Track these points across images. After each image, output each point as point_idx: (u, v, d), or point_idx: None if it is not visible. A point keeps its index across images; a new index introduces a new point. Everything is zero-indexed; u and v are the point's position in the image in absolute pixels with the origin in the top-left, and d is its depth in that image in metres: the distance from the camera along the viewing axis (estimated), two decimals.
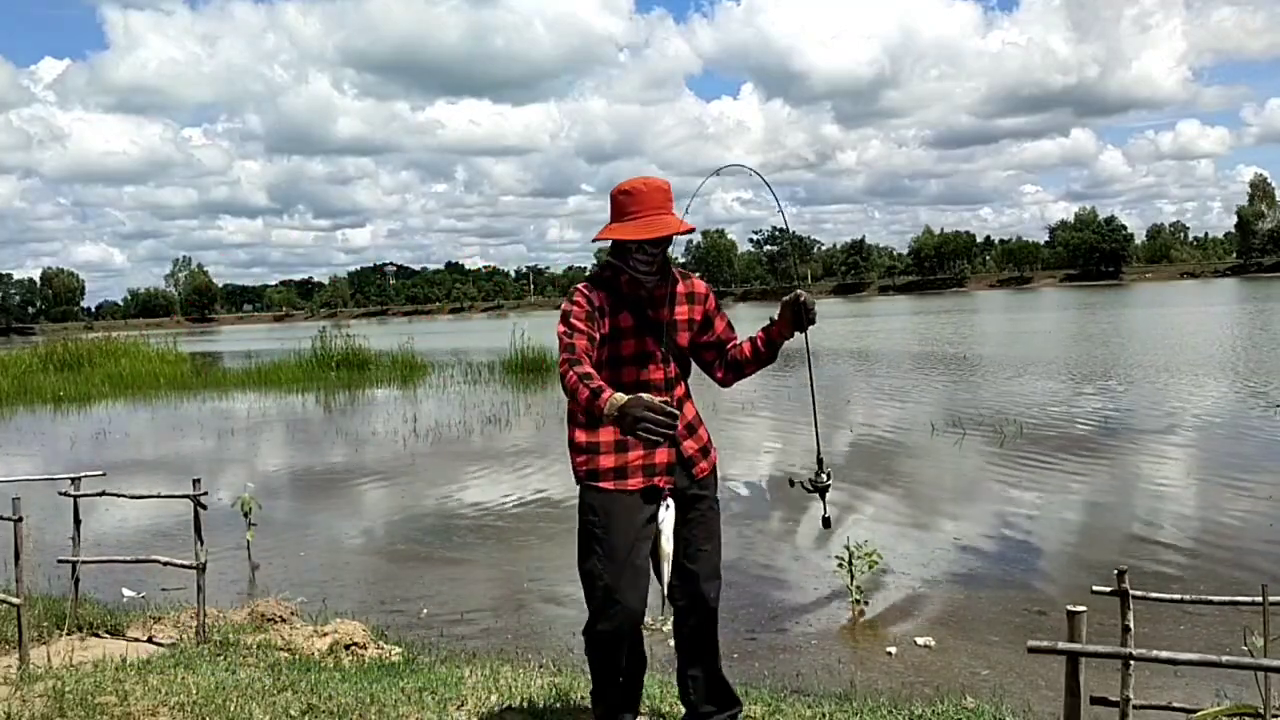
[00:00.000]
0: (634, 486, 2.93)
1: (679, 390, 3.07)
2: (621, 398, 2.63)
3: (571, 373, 2.77)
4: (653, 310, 3.00)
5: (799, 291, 2.93)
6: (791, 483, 3.19)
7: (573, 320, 2.90)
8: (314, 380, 24.15)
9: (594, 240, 3.06)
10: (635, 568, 2.90)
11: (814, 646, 5.30)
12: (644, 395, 2.61)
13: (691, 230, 3.00)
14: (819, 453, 3.12)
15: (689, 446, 3.05)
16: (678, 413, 2.60)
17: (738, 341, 3.19)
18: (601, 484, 2.95)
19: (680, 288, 3.08)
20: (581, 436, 2.99)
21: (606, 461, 2.96)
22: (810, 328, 2.92)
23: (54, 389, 22.58)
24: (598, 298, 2.95)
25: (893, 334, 37.19)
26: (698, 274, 3.20)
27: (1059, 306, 58.22)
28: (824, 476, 3.04)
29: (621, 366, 2.96)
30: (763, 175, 3.19)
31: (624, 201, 2.95)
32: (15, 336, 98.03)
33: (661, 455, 2.96)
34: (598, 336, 2.92)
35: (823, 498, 3.07)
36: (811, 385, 3.34)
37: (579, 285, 3.03)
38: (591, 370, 2.78)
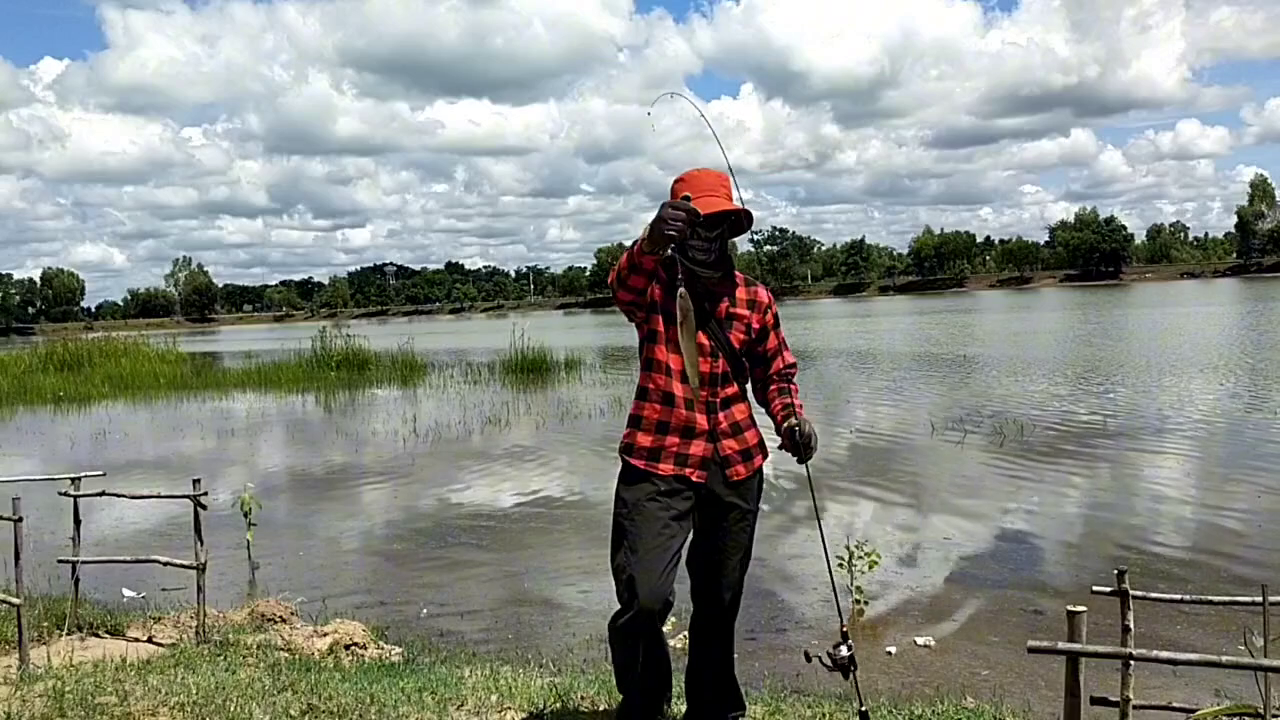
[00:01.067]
0: (664, 471, 2.88)
1: (729, 389, 2.99)
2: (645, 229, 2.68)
3: (619, 266, 2.83)
4: (710, 303, 2.94)
5: (793, 421, 2.89)
6: (808, 657, 2.98)
7: (637, 257, 2.82)
8: (314, 380, 24.15)
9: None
10: (659, 563, 2.82)
11: (814, 646, 5.28)
12: (673, 202, 2.67)
13: (746, 215, 2.94)
14: (842, 623, 2.94)
15: (728, 446, 2.95)
16: (696, 209, 2.60)
17: (779, 383, 3.11)
18: (634, 460, 2.93)
19: (742, 291, 3.02)
20: (634, 410, 2.99)
21: (644, 439, 2.94)
22: (811, 456, 2.91)
23: (54, 389, 22.58)
24: (661, 272, 2.90)
25: (893, 334, 37.18)
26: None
27: (1059, 306, 58.21)
28: (844, 650, 2.82)
29: (668, 347, 2.91)
30: (698, 105, 3.39)
31: (678, 189, 2.92)
32: (15, 336, 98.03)
33: (697, 447, 2.91)
34: (655, 284, 2.89)
35: (846, 676, 2.82)
36: (821, 532, 3.34)
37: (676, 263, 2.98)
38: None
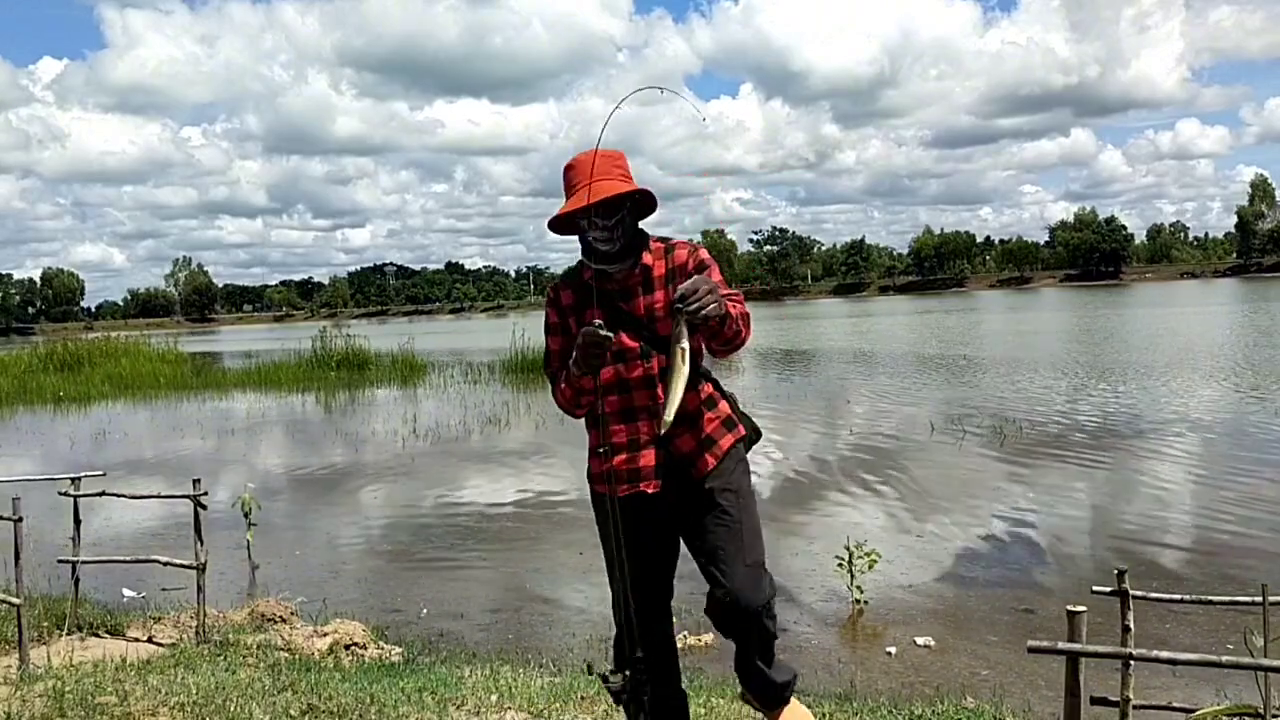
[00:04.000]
0: (622, 493, 2.65)
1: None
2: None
3: (558, 393, 2.72)
4: (625, 302, 2.66)
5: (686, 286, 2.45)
6: (589, 669, 2.86)
7: (547, 337, 2.77)
8: (314, 380, 24.15)
9: (549, 227, 2.76)
10: (631, 582, 2.53)
11: (814, 646, 5.30)
12: (585, 329, 2.46)
13: (645, 194, 2.66)
14: (627, 643, 2.53)
15: (683, 445, 2.67)
16: (607, 335, 2.43)
17: None
18: (596, 488, 2.77)
19: (657, 269, 2.67)
20: (588, 440, 2.81)
21: (595, 465, 2.76)
22: (697, 307, 2.41)
23: (54, 389, 22.58)
24: (566, 296, 2.73)
25: (893, 334, 37.18)
26: (690, 239, 2.79)
27: (1059, 306, 58.22)
28: (619, 679, 2.50)
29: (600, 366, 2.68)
30: (677, 91, 3.32)
31: (569, 178, 2.67)
32: (15, 336, 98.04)
33: (646, 458, 2.67)
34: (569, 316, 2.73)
35: (617, 703, 2.53)
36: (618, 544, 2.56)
37: (552, 284, 2.81)
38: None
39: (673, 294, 2.52)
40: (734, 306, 2.53)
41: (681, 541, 2.76)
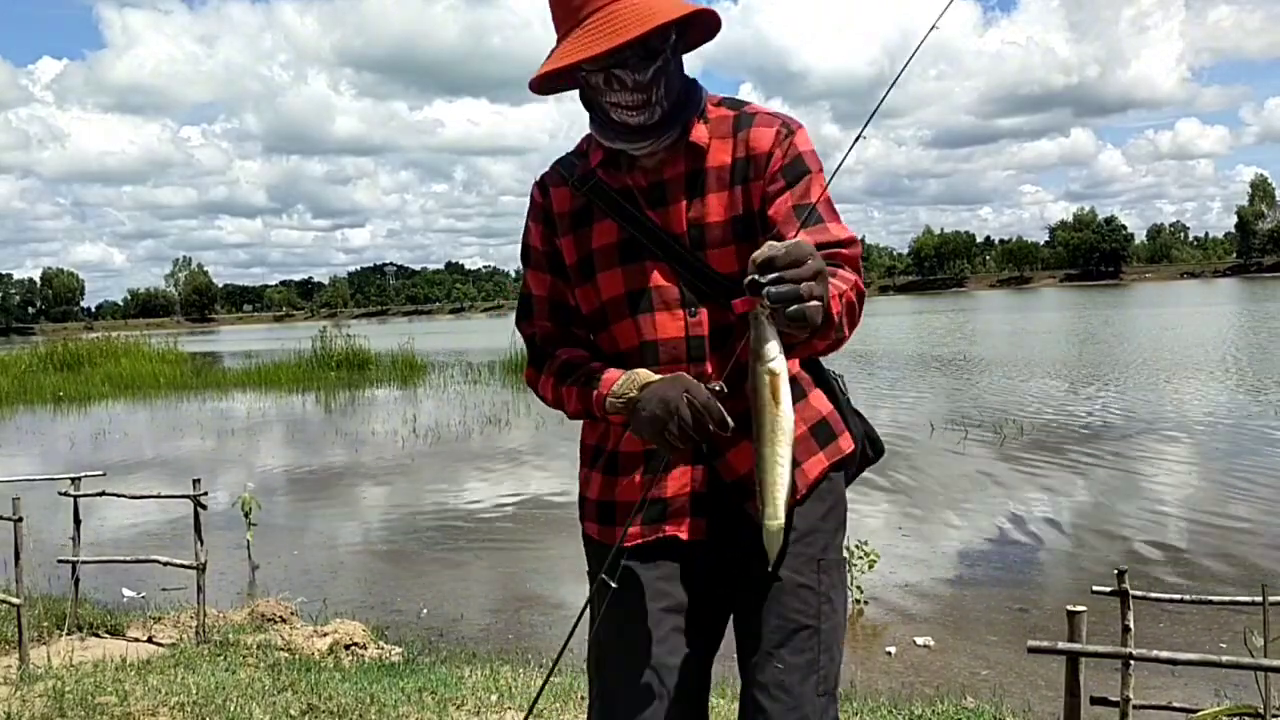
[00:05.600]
0: (630, 540, 1.62)
1: (735, 363, 1.51)
2: (640, 377, 1.51)
3: (543, 380, 1.70)
4: (656, 208, 1.59)
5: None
6: None
7: (526, 270, 1.73)
8: (314, 380, 24.14)
9: (531, 87, 1.61)
10: (638, 686, 1.61)
11: None
12: (683, 376, 1.48)
13: (706, 13, 1.55)
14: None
15: (739, 463, 1.59)
16: (722, 416, 1.40)
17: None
18: (585, 526, 1.78)
19: (717, 154, 1.58)
20: (582, 444, 1.80)
21: (591, 490, 1.73)
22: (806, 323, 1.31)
23: (54, 389, 22.57)
24: (561, 198, 1.66)
25: (893, 333, 37.18)
26: (773, 103, 1.76)
27: (1059, 306, 58.21)
28: None
29: (608, 322, 1.64)
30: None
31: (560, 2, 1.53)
32: (15, 336, 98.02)
33: (678, 480, 1.61)
34: (571, 296, 1.69)
35: None
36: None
37: (538, 179, 1.72)
38: (570, 355, 1.67)
39: (738, 198, 1.55)
40: (839, 282, 1.42)
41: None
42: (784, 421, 1.28)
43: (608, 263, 1.61)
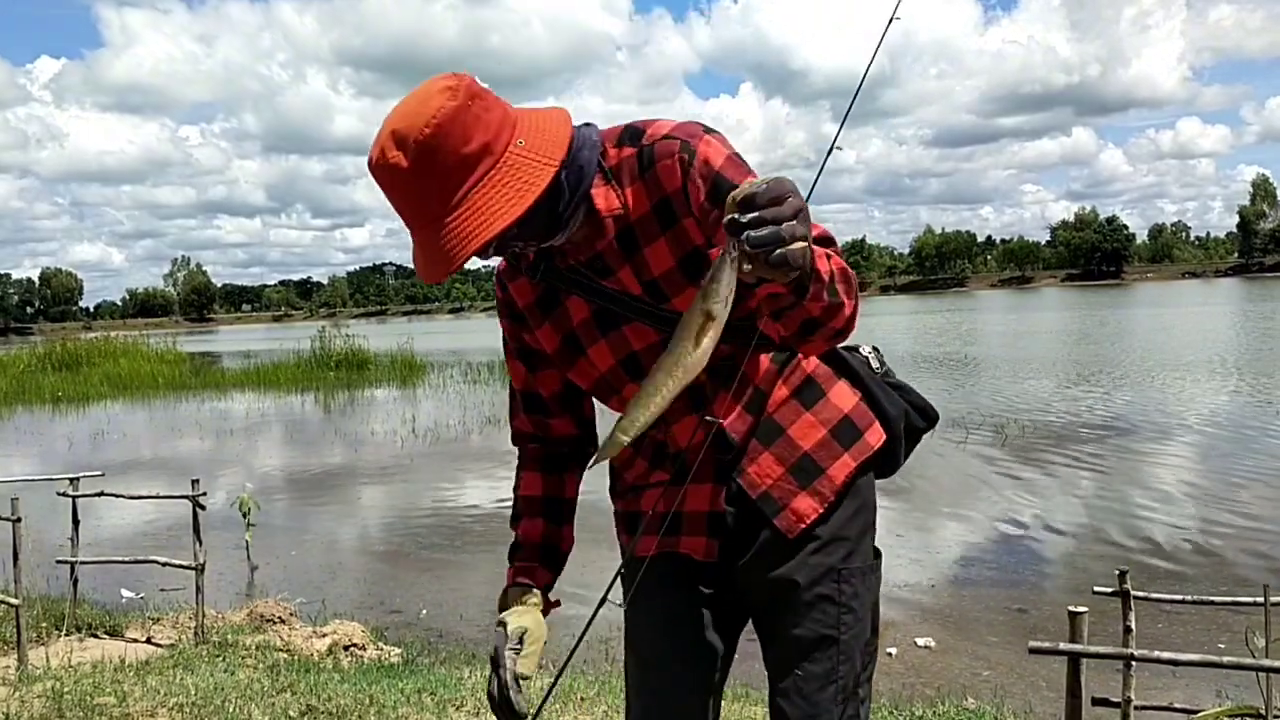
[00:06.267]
0: (640, 551, 1.58)
1: (743, 382, 1.51)
2: (509, 609, 1.62)
3: (514, 502, 1.75)
4: (606, 277, 1.49)
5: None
6: None
7: (507, 360, 1.67)
8: (313, 380, 24.13)
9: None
10: (653, 696, 1.64)
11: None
12: (501, 633, 1.57)
13: (559, 183, 1.34)
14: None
15: (759, 474, 1.52)
16: (517, 711, 1.49)
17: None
18: (618, 534, 1.72)
19: (633, 202, 1.42)
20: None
21: (616, 501, 1.71)
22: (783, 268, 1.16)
23: (52, 389, 22.57)
24: (523, 290, 1.57)
25: (894, 333, 37.18)
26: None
27: (1060, 306, 58.23)
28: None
29: (613, 390, 1.57)
30: None
31: (395, 204, 1.35)
32: (14, 336, 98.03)
33: (697, 498, 1.54)
34: (557, 378, 1.64)
35: None
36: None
37: (497, 272, 1.60)
38: (525, 532, 1.70)
39: (676, 242, 1.42)
40: (826, 259, 1.28)
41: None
42: (690, 362, 1.17)
43: (592, 336, 1.54)
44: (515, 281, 1.58)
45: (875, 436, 1.59)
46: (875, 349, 1.71)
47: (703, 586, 1.59)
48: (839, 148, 1.34)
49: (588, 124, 1.43)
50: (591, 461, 1.37)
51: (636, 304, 1.48)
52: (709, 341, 1.17)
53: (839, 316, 1.31)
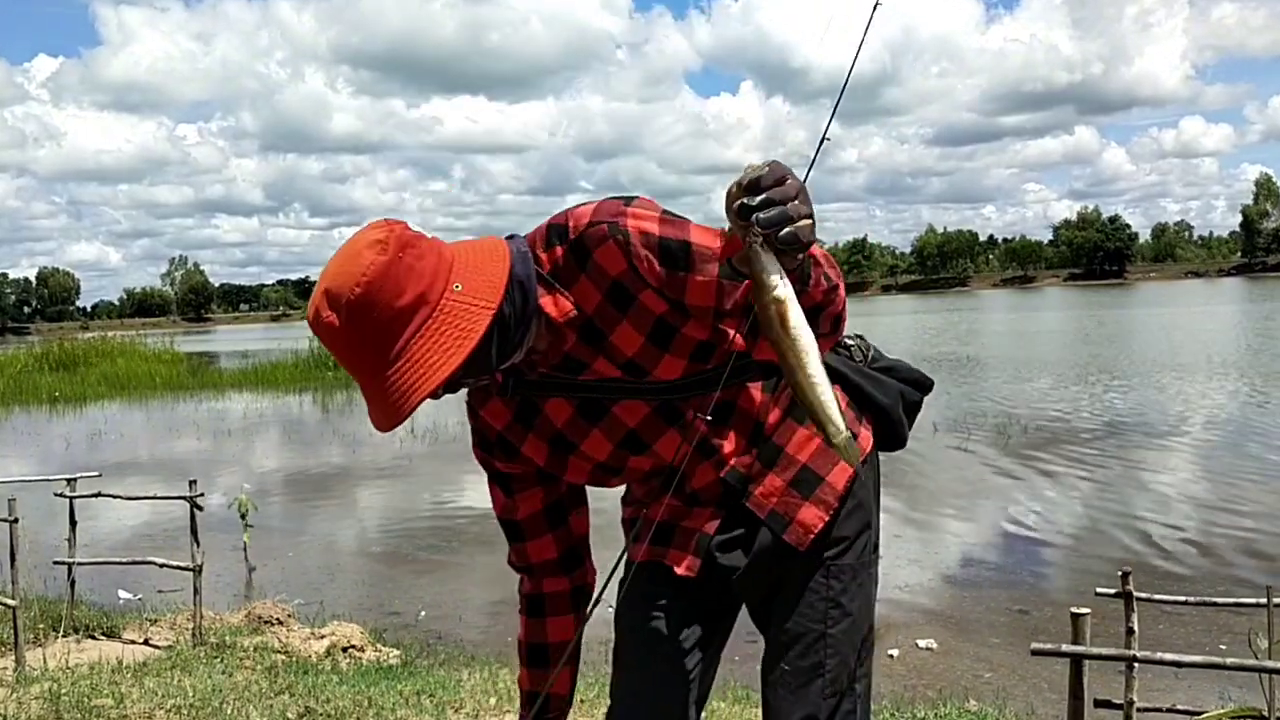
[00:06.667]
0: (633, 556, 1.64)
1: (743, 419, 1.55)
2: None
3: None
4: (580, 373, 1.48)
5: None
6: None
7: (490, 487, 1.67)
8: (311, 381, 24.09)
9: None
10: (648, 696, 1.64)
11: None
12: None
13: (493, 320, 1.28)
14: None
15: (765, 491, 1.54)
16: None
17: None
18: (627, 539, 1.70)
19: (583, 298, 1.40)
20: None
21: (625, 508, 1.73)
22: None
23: (49, 389, 22.55)
24: (497, 412, 1.55)
25: (895, 333, 37.19)
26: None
27: (1063, 306, 58.27)
28: None
29: (609, 473, 1.58)
30: None
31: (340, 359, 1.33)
32: (10, 336, 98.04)
33: (697, 517, 1.58)
34: (539, 497, 1.62)
35: None
36: None
37: (468, 400, 1.58)
38: (520, 637, 1.80)
39: (639, 319, 1.41)
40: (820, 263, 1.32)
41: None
42: (804, 343, 1.18)
43: (581, 431, 1.52)
44: (487, 407, 1.56)
45: (866, 438, 1.61)
46: (859, 337, 1.71)
47: (691, 595, 1.60)
48: (828, 139, 1.33)
49: (511, 236, 1.42)
50: (847, 462, 1.35)
51: (619, 385, 1.47)
52: (796, 318, 1.17)
53: (837, 298, 1.34)
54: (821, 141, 1.31)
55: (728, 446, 1.53)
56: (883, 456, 1.74)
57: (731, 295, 1.35)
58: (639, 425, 1.51)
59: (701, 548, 1.56)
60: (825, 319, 1.34)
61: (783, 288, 1.17)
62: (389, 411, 1.26)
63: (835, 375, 1.58)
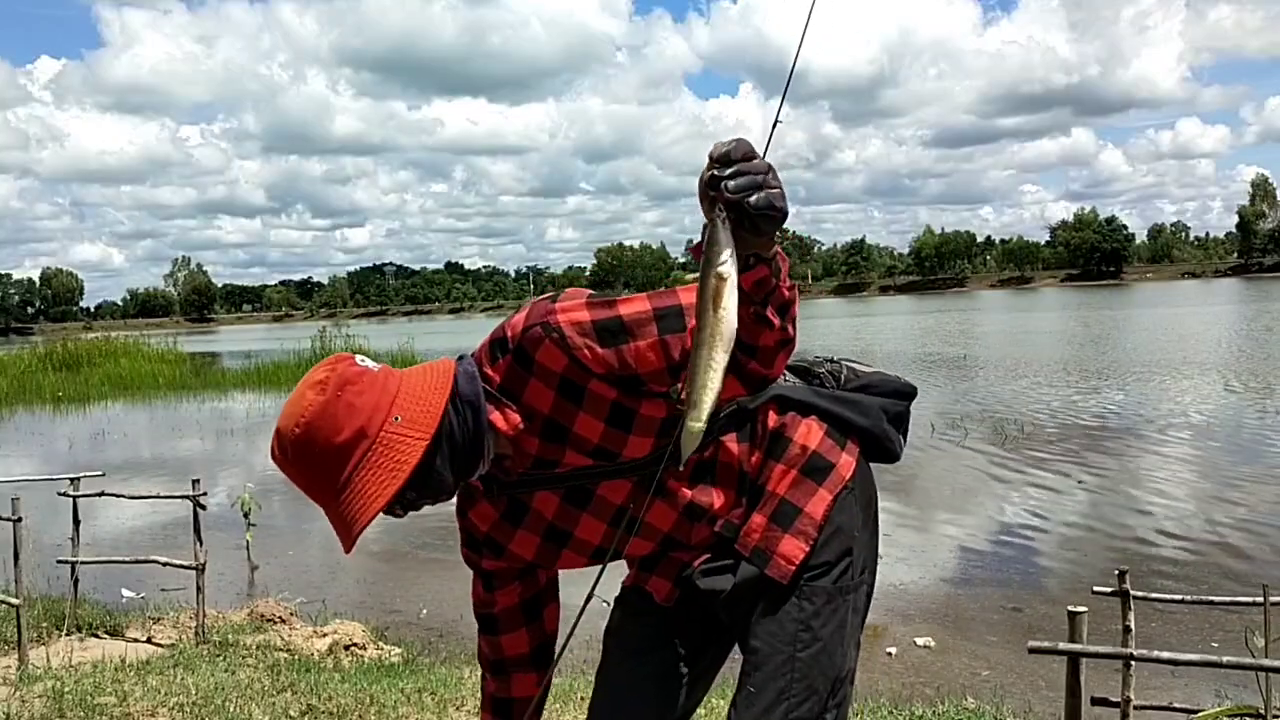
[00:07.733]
0: (627, 581, 1.74)
1: (725, 474, 1.58)
2: None
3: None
4: (557, 466, 1.53)
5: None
6: None
7: (475, 578, 1.75)
8: None
9: None
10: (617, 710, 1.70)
11: None
12: None
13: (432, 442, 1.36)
14: None
15: (749, 529, 1.57)
16: None
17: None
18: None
19: (536, 400, 1.46)
20: None
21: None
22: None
23: (53, 389, 22.57)
24: (484, 514, 1.64)
25: (893, 333, 37.18)
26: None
27: (1060, 306, 58.21)
28: None
29: (621, 551, 1.62)
30: None
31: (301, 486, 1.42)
32: (14, 336, 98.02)
33: (689, 554, 1.63)
34: (516, 592, 1.73)
35: None
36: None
37: (457, 504, 1.67)
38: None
39: (595, 408, 1.45)
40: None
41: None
42: (723, 327, 1.20)
43: (573, 519, 1.58)
44: (475, 509, 1.64)
45: (846, 466, 1.61)
46: (830, 361, 1.74)
47: (673, 621, 1.66)
48: (781, 120, 1.34)
49: (461, 356, 1.48)
50: (671, 460, 1.32)
51: (597, 471, 1.52)
52: (729, 300, 1.19)
53: (795, 300, 1.36)
54: (775, 124, 1.32)
55: (718, 502, 1.57)
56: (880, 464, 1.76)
57: (679, 344, 1.38)
58: (627, 500, 1.55)
59: (682, 578, 1.61)
60: (790, 320, 1.36)
61: (728, 266, 1.19)
62: (343, 535, 1.36)
63: (811, 410, 1.61)
